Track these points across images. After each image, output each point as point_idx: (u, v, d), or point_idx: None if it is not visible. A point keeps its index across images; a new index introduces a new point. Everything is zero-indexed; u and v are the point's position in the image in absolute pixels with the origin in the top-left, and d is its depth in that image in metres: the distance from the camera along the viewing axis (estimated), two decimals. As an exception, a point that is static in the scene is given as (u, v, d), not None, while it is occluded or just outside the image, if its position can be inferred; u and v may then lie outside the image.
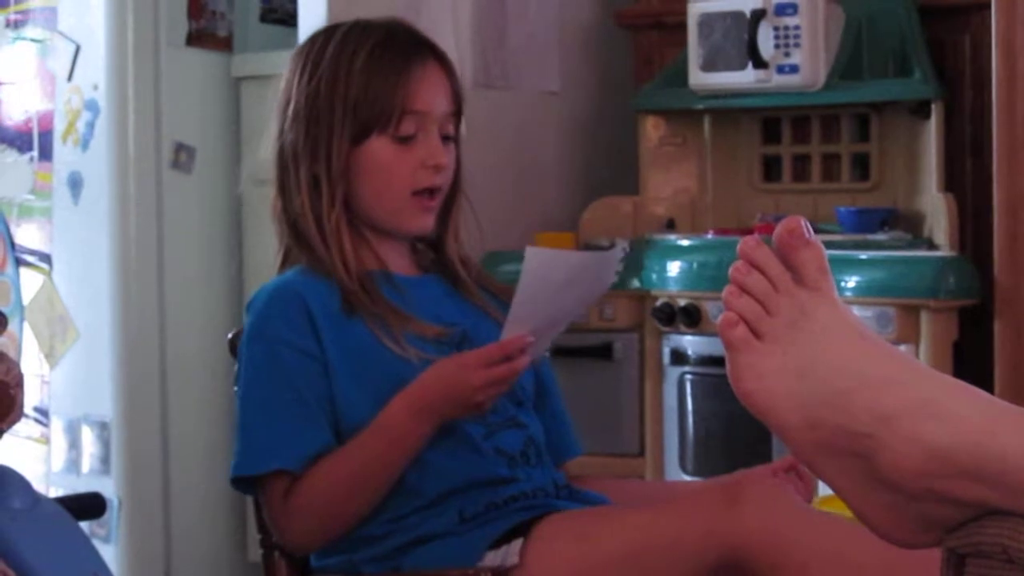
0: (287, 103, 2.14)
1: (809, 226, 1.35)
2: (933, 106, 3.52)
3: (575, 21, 4.18)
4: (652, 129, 3.96)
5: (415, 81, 2.09)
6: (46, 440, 3.98)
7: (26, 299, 4.01)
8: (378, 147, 2.09)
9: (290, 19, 3.91)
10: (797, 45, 3.59)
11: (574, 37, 4.18)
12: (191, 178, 3.98)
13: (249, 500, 3.63)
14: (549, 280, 2.00)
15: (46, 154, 3.99)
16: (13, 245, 4.05)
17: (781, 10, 3.59)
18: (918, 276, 3.28)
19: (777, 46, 3.60)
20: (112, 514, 3.81)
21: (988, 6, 3.28)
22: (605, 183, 4.07)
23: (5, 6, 4.07)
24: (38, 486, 1.81)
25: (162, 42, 3.93)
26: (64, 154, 3.95)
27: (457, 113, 2.16)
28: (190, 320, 3.96)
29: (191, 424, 3.95)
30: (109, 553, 3.74)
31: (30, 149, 4.03)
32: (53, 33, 3.97)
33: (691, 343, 3.56)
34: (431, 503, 2.02)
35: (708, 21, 3.68)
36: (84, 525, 1.98)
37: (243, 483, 2.07)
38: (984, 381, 3.08)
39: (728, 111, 3.85)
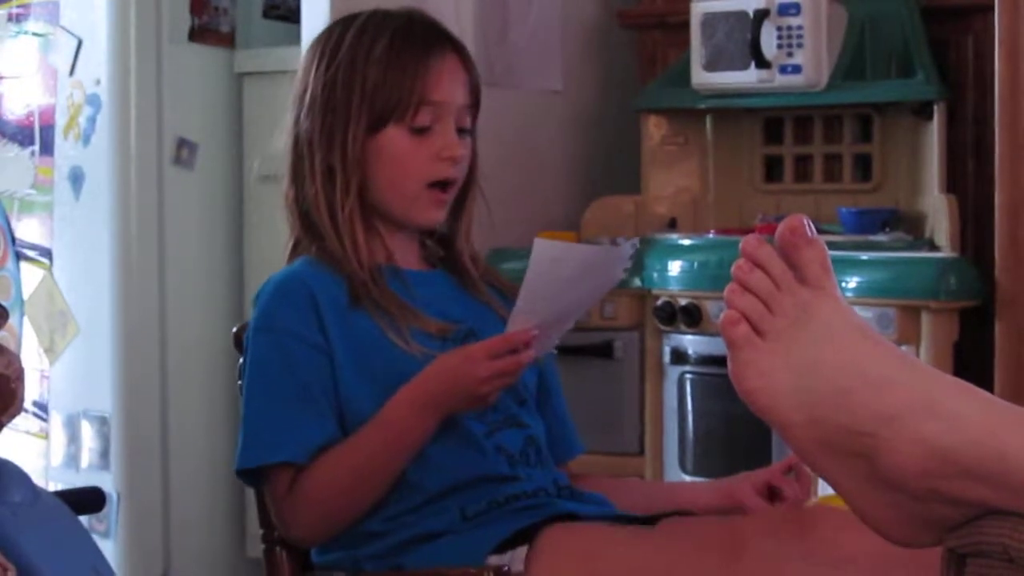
0: (303, 92, 2.13)
1: (812, 225, 1.35)
2: (935, 107, 3.52)
3: (578, 20, 4.18)
4: (654, 128, 3.96)
5: (433, 72, 2.09)
6: (45, 435, 3.98)
7: (26, 294, 4.01)
8: (394, 137, 2.08)
9: (293, 15, 3.91)
10: (800, 45, 3.59)
11: (577, 36, 4.18)
12: (193, 174, 3.98)
13: (248, 495, 3.64)
14: (557, 273, 1.99)
15: (47, 149, 3.99)
16: (14, 239, 4.05)
17: (784, 10, 3.59)
18: (919, 277, 3.28)
19: (780, 46, 3.60)
20: (111, 509, 3.81)
21: (991, 7, 3.28)
22: (607, 182, 4.08)
23: (7, 0, 4.07)
24: (37, 481, 1.81)
25: (164, 37, 3.93)
26: (65, 149, 3.95)
27: (474, 106, 2.15)
28: (190, 316, 3.96)
29: (191, 419, 3.95)
30: (108, 548, 3.74)
31: (31, 144, 4.03)
32: (55, 28, 3.97)
33: (692, 342, 3.56)
34: (432, 499, 2.01)
35: (711, 21, 3.68)
36: (83, 520, 1.98)
37: (248, 475, 2.06)
38: (984, 382, 3.08)
39: (730, 111, 3.85)
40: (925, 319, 3.26)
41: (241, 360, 2.11)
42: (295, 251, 2.15)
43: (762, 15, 3.60)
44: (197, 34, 3.99)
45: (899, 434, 1.25)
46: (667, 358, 3.61)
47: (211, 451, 3.96)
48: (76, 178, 3.92)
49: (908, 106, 3.62)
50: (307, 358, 2.02)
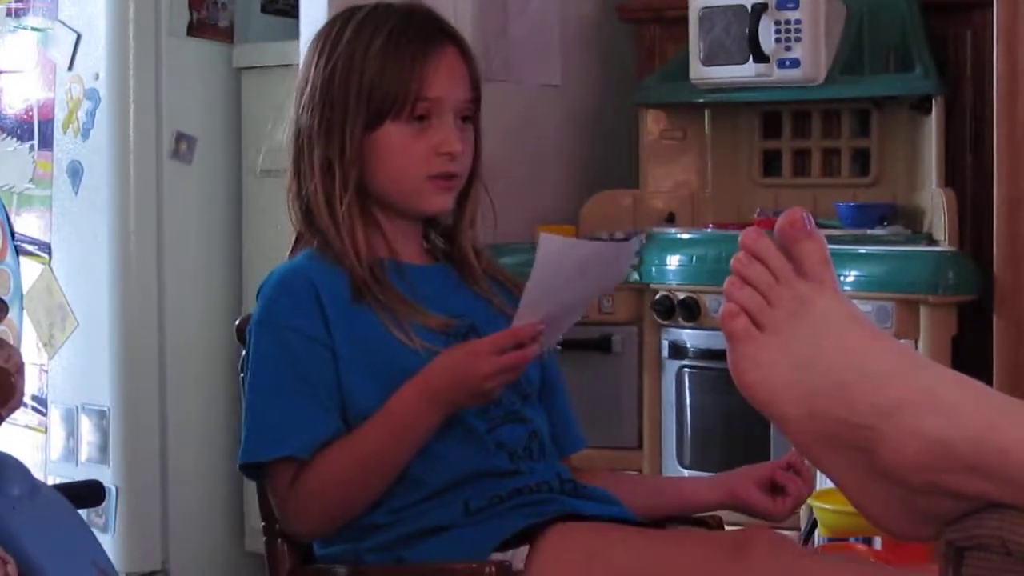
0: (304, 86, 2.12)
1: (811, 218, 1.35)
2: (934, 101, 3.52)
3: (576, 15, 4.18)
4: (653, 123, 3.96)
5: (431, 68, 2.08)
6: (44, 429, 3.98)
7: (25, 288, 4.01)
8: (392, 133, 2.08)
9: (291, 9, 3.91)
10: (798, 39, 3.59)
11: (575, 31, 4.18)
12: (191, 168, 3.98)
13: (248, 489, 3.64)
14: (562, 268, 1.98)
15: (46, 143, 3.99)
16: (13, 234, 4.05)
17: (782, 4, 3.59)
18: (917, 271, 3.28)
19: (778, 40, 3.60)
20: (110, 503, 3.81)
21: (990, 2, 3.27)
22: (605, 176, 4.08)
23: (6, -5, 4.07)
24: (36, 474, 1.81)
25: (163, 32, 3.93)
26: (64, 143, 3.95)
27: (476, 100, 2.15)
28: (189, 309, 3.96)
29: (189, 413, 3.95)
30: (107, 541, 3.74)
31: (30, 138, 4.03)
32: (54, 22, 3.97)
33: (690, 336, 3.56)
34: (435, 494, 2.01)
35: (709, 15, 3.68)
36: (82, 513, 1.98)
37: (251, 469, 2.06)
38: (983, 376, 3.07)
39: (729, 105, 3.85)
40: (923, 313, 3.26)
41: (243, 354, 2.11)
42: (297, 245, 2.15)
43: (760, 9, 3.60)
44: (196, 29, 3.99)
45: (898, 427, 1.25)
46: (665, 352, 3.61)
47: (210, 445, 3.96)
48: (75, 172, 3.92)
49: (906, 100, 3.62)
50: (310, 352, 2.01)
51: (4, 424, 1.74)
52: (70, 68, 3.93)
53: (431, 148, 2.08)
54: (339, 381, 2.02)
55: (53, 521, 1.75)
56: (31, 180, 4.02)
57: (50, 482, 3.54)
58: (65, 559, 1.71)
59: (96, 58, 3.89)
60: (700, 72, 3.72)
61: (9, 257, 4.05)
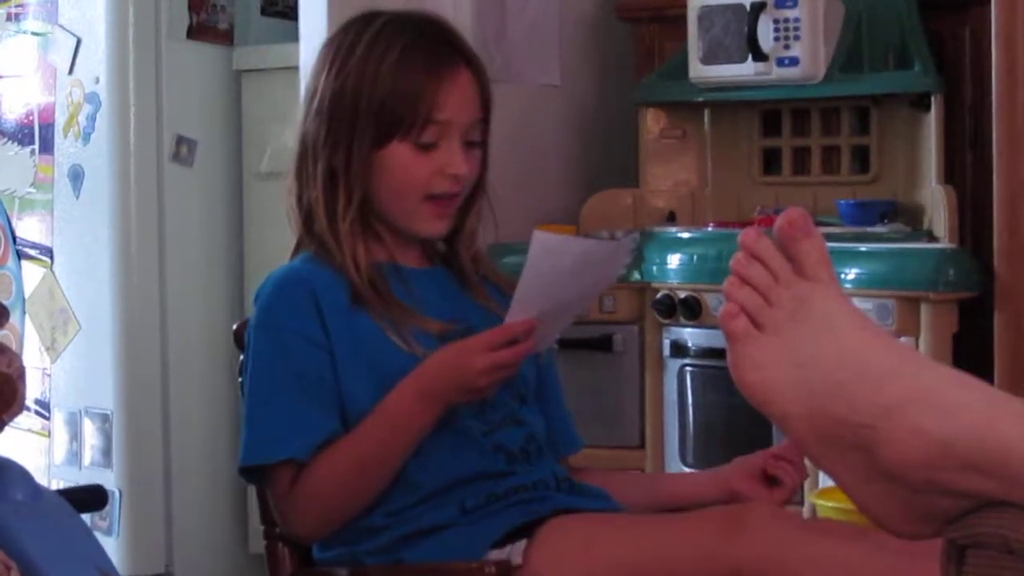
0: (314, 94, 2.12)
1: (810, 218, 1.35)
2: (933, 99, 3.52)
3: (576, 14, 4.18)
4: (652, 122, 3.96)
5: (442, 91, 2.07)
6: (47, 433, 3.99)
7: (27, 292, 4.02)
8: (398, 152, 2.07)
9: (291, 12, 3.91)
10: (797, 38, 3.59)
11: (574, 30, 4.18)
12: (192, 171, 3.98)
13: (250, 492, 3.64)
14: (555, 266, 1.99)
15: (47, 147, 3.99)
16: (14, 238, 4.05)
17: (781, 3, 3.59)
18: (918, 268, 3.28)
19: (777, 39, 3.60)
20: (113, 506, 3.81)
21: (988, -1, 3.28)
22: (605, 176, 4.08)
23: (5, -1, 4.08)
24: (39, 479, 1.81)
25: (163, 35, 3.93)
26: (65, 147, 3.95)
27: (485, 120, 2.14)
28: (191, 313, 3.97)
29: (192, 416, 3.96)
30: (111, 545, 3.75)
31: (31, 142, 4.04)
32: (54, 26, 3.97)
33: (691, 335, 3.56)
34: (432, 495, 2.02)
35: (708, 14, 3.68)
36: (85, 517, 1.98)
37: (251, 472, 2.07)
38: (983, 373, 3.08)
39: (728, 104, 3.85)
40: (924, 310, 3.26)
41: (242, 357, 2.11)
42: (299, 249, 2.15)
43: (759, 8, 3.60)
44: (196, 31, 4.00)
45: (898, 426, 1.25)
46: (667, 351, 3.61)
47: (212, 447, 3.96)
48: (76, 176, 3.93)
49: (906, 98, 3.62)
50: (308, 355, 2.02)
51: (7, 429, 1.75)
52: (70, 72, 3.94)
53: (435, 169, 2.08)
54: (338, 383, 2.03)
55: (56, 526, 1.75)
56: (32, 184, 4.03)
57: (54, 486, 3.55)
58: (68, 564, 1.71)
59: (96, 62, 3.89)
60: (699, 71, 3.72)
61: (11, 261, 4.05)
